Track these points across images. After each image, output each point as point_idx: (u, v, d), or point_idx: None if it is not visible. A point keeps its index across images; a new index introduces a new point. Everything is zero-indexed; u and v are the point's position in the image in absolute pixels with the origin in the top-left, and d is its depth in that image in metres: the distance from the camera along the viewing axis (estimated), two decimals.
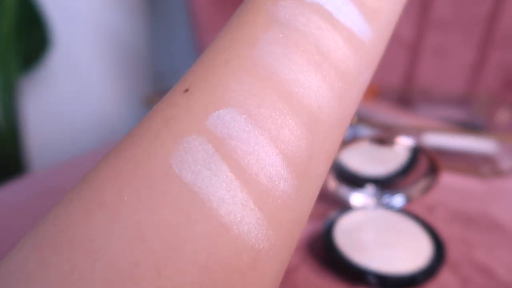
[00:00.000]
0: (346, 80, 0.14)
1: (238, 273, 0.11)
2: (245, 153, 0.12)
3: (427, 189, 0.31)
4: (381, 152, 0.31)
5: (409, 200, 0.32)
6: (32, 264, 0.11)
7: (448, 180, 0.39)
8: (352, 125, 0.47)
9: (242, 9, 0.15)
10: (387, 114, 0.51)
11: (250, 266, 0.12)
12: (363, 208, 0.31)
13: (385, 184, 0.32)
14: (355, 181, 0.32)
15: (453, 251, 0.27)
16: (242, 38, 0.14)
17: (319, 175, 0.14)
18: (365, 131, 0.49)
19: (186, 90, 0.13)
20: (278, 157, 0.12)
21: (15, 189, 0.38)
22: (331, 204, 0.33)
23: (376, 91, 0.67)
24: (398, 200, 0.32)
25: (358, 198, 0.32)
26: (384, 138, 0.30)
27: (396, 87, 0.71)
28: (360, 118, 0.53)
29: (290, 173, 0.13)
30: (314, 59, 0.13)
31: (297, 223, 0.13)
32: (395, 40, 0.69)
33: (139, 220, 0.11)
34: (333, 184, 0.31)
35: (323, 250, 0.27)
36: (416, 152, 0.30)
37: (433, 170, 0.30)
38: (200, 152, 0.12)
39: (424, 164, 0.30)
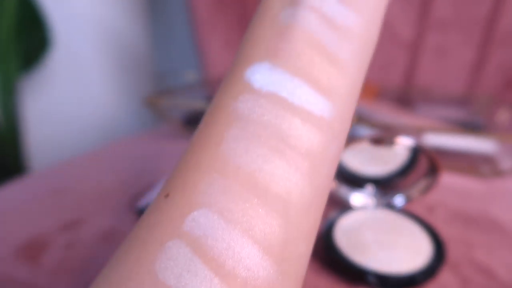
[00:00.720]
0: (312, 158, 0.15)
1: None
2: (221, 250, 0.13)
3: (427, 189, 0.31)
4: (381, 152, 0.31)
5: (409, 200, 0.32)
6: None
7: (448, 180, 0.39)
8: (352, 125, 0.47)
9: (210, 107, 0.16)
10: (387, 114, 0.51)
11: None
12: (363, 208, 0.31)
13: (385, 184, 0.32)
14: (355, 181, 0.32)
15: (453, 251, 0.27)
16: (209, 138, 0.15)
17: (301, 254, 0.14)
18: (365, 131, 0.49)
19: (167, 195, 0.14)
20: (253, 247, 0.13)
21: (15, 189, 0.38)
22: (331, 204, 0.33)
23: (376, 91, 0.67)
24: (398, 200, 0.32)
25: (358, 198, 0.32)
26: (384, 138, 0.30)
27: (396, 87, 0.71)
28: (360, 118, 0.53)
29: (268, 260, 0.13)
30: (275, 147, 0.14)
31: None
32: (395, 40, 0.69)
33: None
34: (333, 184, 0.31)
35: (323, 250, 0.27)
36: (416, 152, 0.30)
37: (433, 170, 0.30)
38: (181, 256, 0.12)
39: (424, 164, 0.30)
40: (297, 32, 0.16)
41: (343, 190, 0.32)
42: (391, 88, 0.70)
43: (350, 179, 0.32)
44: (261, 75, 0.15)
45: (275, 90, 0.15)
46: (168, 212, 0.14)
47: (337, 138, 0.16)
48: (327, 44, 0.16)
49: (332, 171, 0.16)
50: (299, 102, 0.15)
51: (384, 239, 0.27)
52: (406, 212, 0.30)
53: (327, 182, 0.16)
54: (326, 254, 0.27)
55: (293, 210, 0.14)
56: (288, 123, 0.14)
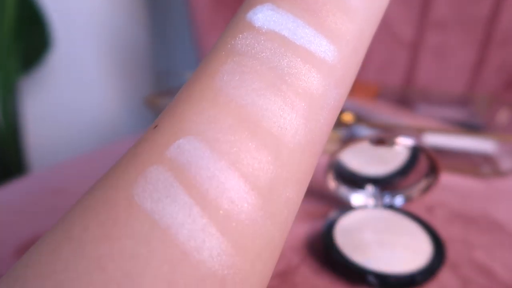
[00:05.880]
0: (310, 100, 0.14)
1: None
2: (204, 178, 0.12)
3: (427, 189, 0.31)
4: (381, 152, 0.31)
5: (409, 200, 0.32)
6: None
7: (448, 180, 0.39)
8: (352, 125, 0.47)
9: (212, 47, 0.16)
10: (387, 114, 0.51)
11: None
12: (363, 208, 0.31)
13: (385, 184, 0.32)
14: (355, 181, 0.32)
15: (453, 251, 0.27)
16: (204, 72, 0.14)
17: (289, 199, 0.14)
18: (365, 131, 0.49)
19: (156, 126, 0.14)
20: (239, 180, 0.12)
21: (15, 189, 0.38)
22: (331, 204, 0.33)
23: (376, 91, 0.67)
24: (398, 200, 0.32)
25: (358, 198, 0.32)
26: (384, 138, 0.30)
27: (396, 87, 0.71)
28: (360, 118, 0.53)
29: (254, 196, 0.13)
30: (271, 83, 0.14)
31: (268, 249, 0.13)
32: (395, 40, 0.69)
33: (101, 252, 0.11)
34: (333, 184, 0.31)
35: (323, 250, 0.27)
36: (416, 152, 0.30)
37: (433, 170, 0.30)
38: (160, 181, 0.12)
39: (424, 164, 0.30)
40: None
41: (343, 190, 0.32)
42: (391, 88, 0.70)
43: (350, 179, 0.32)
44: (263, 15, 0.15)
45: (276, 28, 0.14)
46: (153, 140, 0.13)
47: (340, 85, 0.15)
48: None
49: (331, 119, 0.15)
50: (300, 42, 0.14)
51: (384, 239, 0.27)
52: (406, 212, 0.30)
53: (324, 129, 0.15)
54: (326, 254, 0.27)
55: (285, 149, 0.13)
56: (287, 60, 0.14)
